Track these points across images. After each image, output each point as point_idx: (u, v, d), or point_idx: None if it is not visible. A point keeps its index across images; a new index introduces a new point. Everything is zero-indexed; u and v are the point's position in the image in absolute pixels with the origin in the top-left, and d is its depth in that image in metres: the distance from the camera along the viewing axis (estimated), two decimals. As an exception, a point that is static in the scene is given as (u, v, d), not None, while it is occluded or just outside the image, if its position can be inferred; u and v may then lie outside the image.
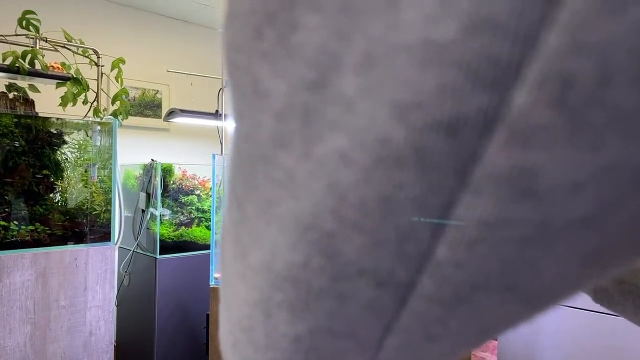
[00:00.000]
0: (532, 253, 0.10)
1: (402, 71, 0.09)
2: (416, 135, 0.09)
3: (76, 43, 2.14)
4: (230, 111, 0.14)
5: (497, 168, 0.09)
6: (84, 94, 2.06)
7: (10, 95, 1.96)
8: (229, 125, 3.13)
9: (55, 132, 2.00)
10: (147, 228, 2.71)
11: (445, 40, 0.08)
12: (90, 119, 2.09)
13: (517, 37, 0.08)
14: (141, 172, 2.81)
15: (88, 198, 2.07)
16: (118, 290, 2.82)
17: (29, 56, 1.91)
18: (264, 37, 0.11)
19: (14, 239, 1.85)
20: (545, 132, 0.09)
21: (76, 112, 2.05)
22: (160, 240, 2.65)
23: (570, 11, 0.08)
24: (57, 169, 2.00)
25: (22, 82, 2.02)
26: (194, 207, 2.82)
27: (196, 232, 2.81)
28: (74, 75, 2.04)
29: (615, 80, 0.08)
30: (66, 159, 2.04)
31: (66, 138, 2.03)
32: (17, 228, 1.85)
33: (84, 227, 2.05)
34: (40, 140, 1.94)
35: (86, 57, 2.16)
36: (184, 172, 2.84)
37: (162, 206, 2.68)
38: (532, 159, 0.09)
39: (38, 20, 1.96)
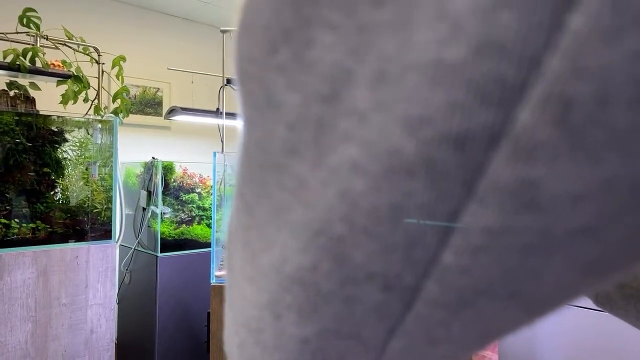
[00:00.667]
0: (535, 261, 0.11)
1: (414, 88, 0.09)
2: (426, 148, 0.10)
3: (77, 41, 2.13)
4: (240, 119, 0.14)
5: (501, 180, 0.10)
6: (84, 91, 2.06)
7: (11, 93, 1.96)
8: (229, 123, 3.13)
9: (56, 130, 1.99)
10: (148, 226, 2.71)
11: (455, 60, 0.09)
12: (91, 116, 2.09)
13: (522, 60, 0.09)
14: (142, 170, 2.81)
15: (89, 196, 2.07)
16: (119, 288, 2.82)
17: (29, 54, 1.91)
18: (279, 51, 0.11)
19: (15, 236, 1.85)
20: (547, 148, 0.09)
21: (77, 110, 2.06)
22: (161, 238, 2.65)
23: (571, 38, 0.08)
24: (58, 167, 2.00)
25: (23, 80, 2.02)
26: (194, 205, 2.82)
27: (197, 230, 2.81)
28: (75, 73, 2.04)
29: (612, 103, 0.09)
30: (67, 157, 2.04)
31: (67, 136, 2.03)
32: (18, 226, 1.85)
33: (84, 225, 2.05)
34: (41, 138, 1.94)
35: (87, 54, 2.16)
36: (184, 170, 2.84)
37: (163, 204, 2.69)
38: (535, 173, 0.09)
39: (39, 18, 1.96)
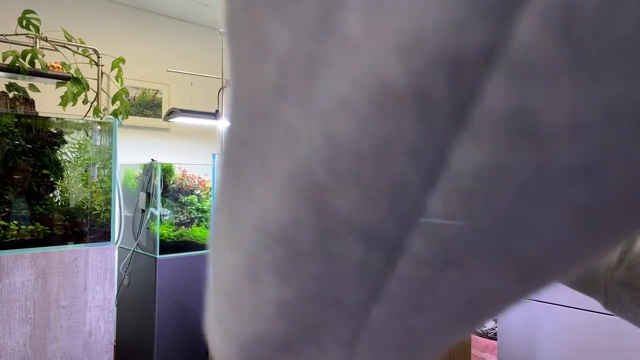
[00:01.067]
0: (528, 207, 0.10)
1: (406, 4, 0.09)
2: (417, 74, 0.09)
3: (76, 42, 2.13)
4: (229, 77, 0.13)
5: (496, 107, 0.09)
6: (84, 93, 2.06)
7: (11, 95, 1.96)
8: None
9: (55, 131, 1.99)
10: (147, 228, 2.70)
11: None
12: (91, 118, 2.09)
13: None
14: (141, 171, 2.81)
15: (88, 198, 2.07)
16: (118, 290, 2.81)
17: (29, 56, 1.91)
18: None
19: (14, 238, 1.84)
20: (547, 66, 0.09)
21: (76, 111, 2.06)
22: (160, 240, 2.65)
23: None
24: (57, 169, 1.99)
25: (22, 82, 2.02)
26: (194, 207, 2.82)
27: (196, 232, 2.81)
28: (74, 75, 2.03)
29: (618, 10, 0.08)
30: (66, 158, 2.03)
31: (66, 138, 2.02)
32: (17, 228, 1.85)
33: (83, 226, 2.05)
34: (40, 140, 1.94)
35: (86, 56, 2.16)
36: (183, 171, 2.84)
37: (162, 206, 2.68)
38: (532, 97, 0.09)
39: (38, 20, 1.96)
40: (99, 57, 2.19)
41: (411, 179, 0.10)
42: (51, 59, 2.05)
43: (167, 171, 2.72)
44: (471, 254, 0.11)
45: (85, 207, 2.06)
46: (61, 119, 2.01)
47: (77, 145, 2.06)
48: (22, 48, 1.94)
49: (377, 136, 0.10)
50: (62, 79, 2.01)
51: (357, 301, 0.12)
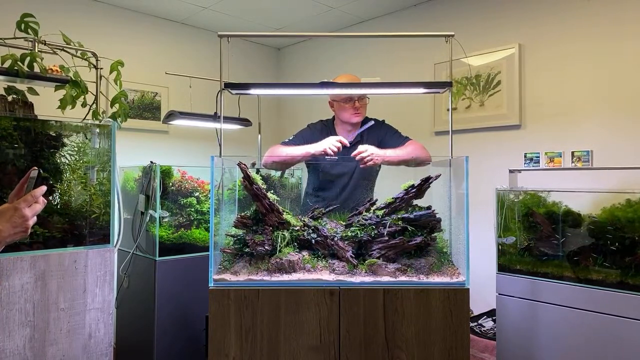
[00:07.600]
0: None
1: None
2: None
3: (75, 46, 2.14)
4: None
5: None
6: (82, 96, 2.07)
7: (9, 98, 1.96)
8: (227, 127, 3.13)
9: (54, 134, 2.00)
10: (147, 230, 2.70)
11: None
12: (89, 121, 2.09)
13: None
14: (140, 174, 2.81)
15: (87, 200, 2.07)
16: (117, 292, 2.81)
17: (27, 59, 1.91)
18: None
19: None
20: None
21: (75, 114, 2.06)
22: (159, 242, 2.65)
23: None
24: (56, 172, 2.00)
25: (21, 85, 2.02)
26: (193, 209, 2.82)
27: (195, 234, 2.81)
28: (73, 78, 2.04)
29: None
30: (65, 161, 2.04)
31: (65, 140, 2.03)
32: (16, 231, 1.85)
33: (83, 229, 2.05)
34: (39, 143, 1.94)
35: (85, 59, 2.16)
36: (182, 173, 2.85)
37: (161, 208, 2.68)
38: None
39: (37, 23, 1.97)
40: (97, 60, 2.19)
41: None
42: (50, 62, 2.05)
43: (166, 173, 2.73)
44: None
45: (84, 209, 2.07)
46: (60, 122, 2.01)
47: (76, 148, 2.06)
48: (20, 51, 1.94)
49: None
50: (61, 82, 2.02)
51: None
